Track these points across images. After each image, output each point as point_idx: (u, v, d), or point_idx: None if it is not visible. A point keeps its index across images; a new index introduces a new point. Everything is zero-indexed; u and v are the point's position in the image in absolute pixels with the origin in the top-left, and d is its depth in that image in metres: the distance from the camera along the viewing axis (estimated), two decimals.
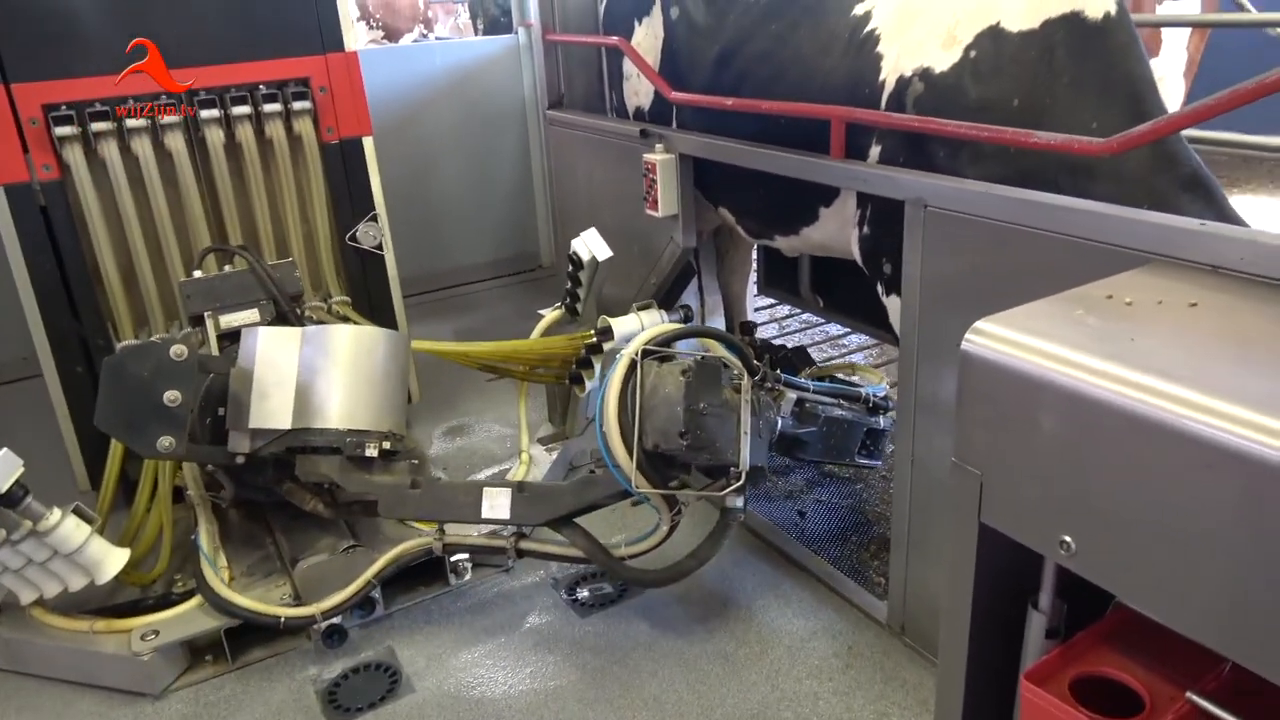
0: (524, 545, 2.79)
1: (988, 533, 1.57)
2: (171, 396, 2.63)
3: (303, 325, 2.92)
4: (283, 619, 2.72)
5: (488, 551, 2.86)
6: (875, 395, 2.96)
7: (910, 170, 2.39)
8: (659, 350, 2.54)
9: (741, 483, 2.48)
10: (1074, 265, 1.87)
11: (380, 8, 10.60)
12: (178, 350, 2.63)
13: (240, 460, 2.69)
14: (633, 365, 2.50)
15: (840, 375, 3.37)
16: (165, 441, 2.63)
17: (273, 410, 2.64)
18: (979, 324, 1.53)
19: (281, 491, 2.86)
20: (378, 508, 2.76)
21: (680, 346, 2.63)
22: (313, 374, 2.67)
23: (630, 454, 2.45)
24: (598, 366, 2.92)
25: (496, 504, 2.67)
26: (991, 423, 1.52)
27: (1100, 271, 1.73)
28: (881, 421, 2.99)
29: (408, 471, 2.76)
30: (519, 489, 2.69)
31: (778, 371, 2.77)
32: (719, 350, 2.66)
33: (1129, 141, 1.88)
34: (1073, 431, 1.38)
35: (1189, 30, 4.37)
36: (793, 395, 2.73)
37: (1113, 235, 1.84)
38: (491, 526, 2.86)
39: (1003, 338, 1.49)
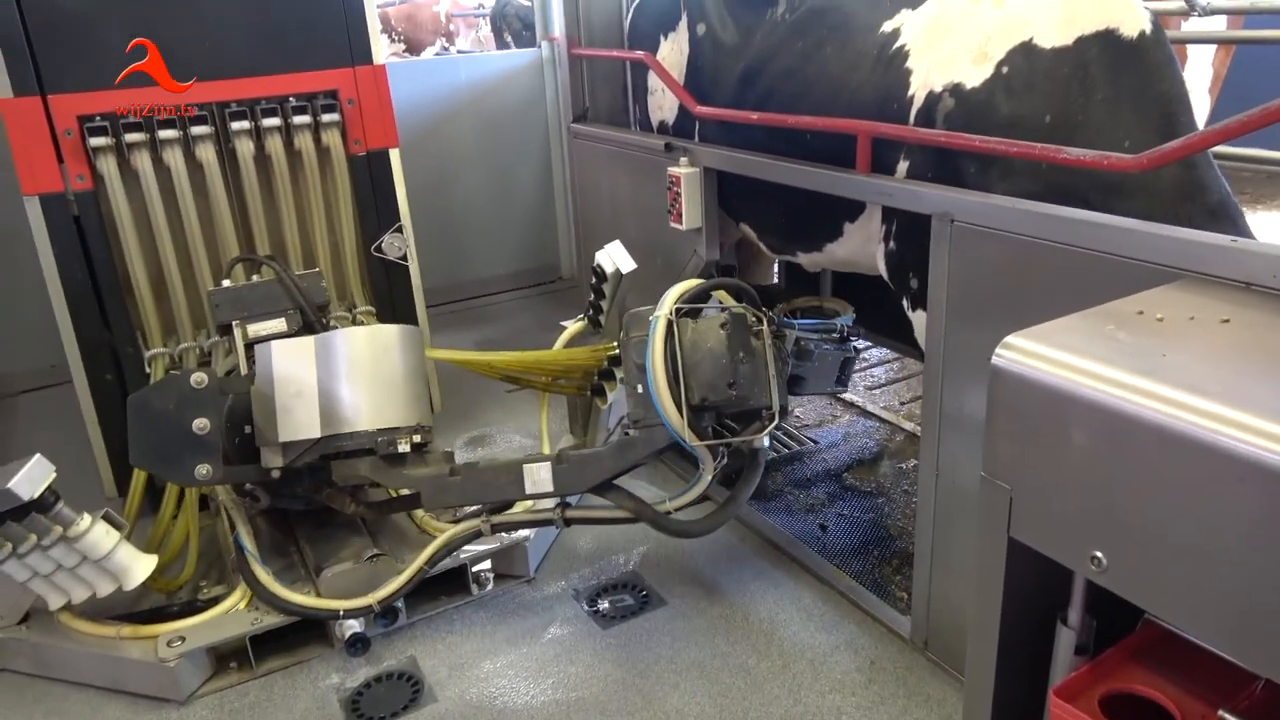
0: (570, 514, 2.83)
1: (1017, 548, 1.57)
2: (200, 424, 2.66)
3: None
4: (341, 611, 2.76)
5: (535, 525, 2.91)
6: (846, 326, 3.03)
7: (936, 184, 2.39)
8: (690, 306, 2.64)
9: (776, 423, 2.60)
10: (1102, 281, 1.87)
11: (402, 20, 10.71)
12: (198, 379, 2.67)
13: (276, 474, 2.72)
14: (669, 325, 2.58)
15: (808, 307, 3.40)
16: (202, 470, 2.67)
17: (300, 421, 2.66)
18: (1009, 339, 1.53)
19: (322, 498, 2.89)
20: (421, 500, 2.79)
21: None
22: (334, 379, 2.69)
23: (680, 411, 2.53)
24: (619, 375, 2.94)
25: (539, 478, 2.71)
26: (1022, 437, 1.52)
27: (1129, 287, 1.73)
28: (852, 350, 3.08)
29: (443, 460, 2.78)
30: (558, 460, 2.72)
31: (772, 314, 2.82)
32: (729, 300, 2.75)
33: (1159, 158, 1.88)
34: (1104, 446, 1.38)
35: (1214, 46, 4.36)
36: (794, 335, 2.80)
37: (1142, 251, 1.83)
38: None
39: (1034, 352, 1.49)
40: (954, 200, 2.27)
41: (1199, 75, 4.32)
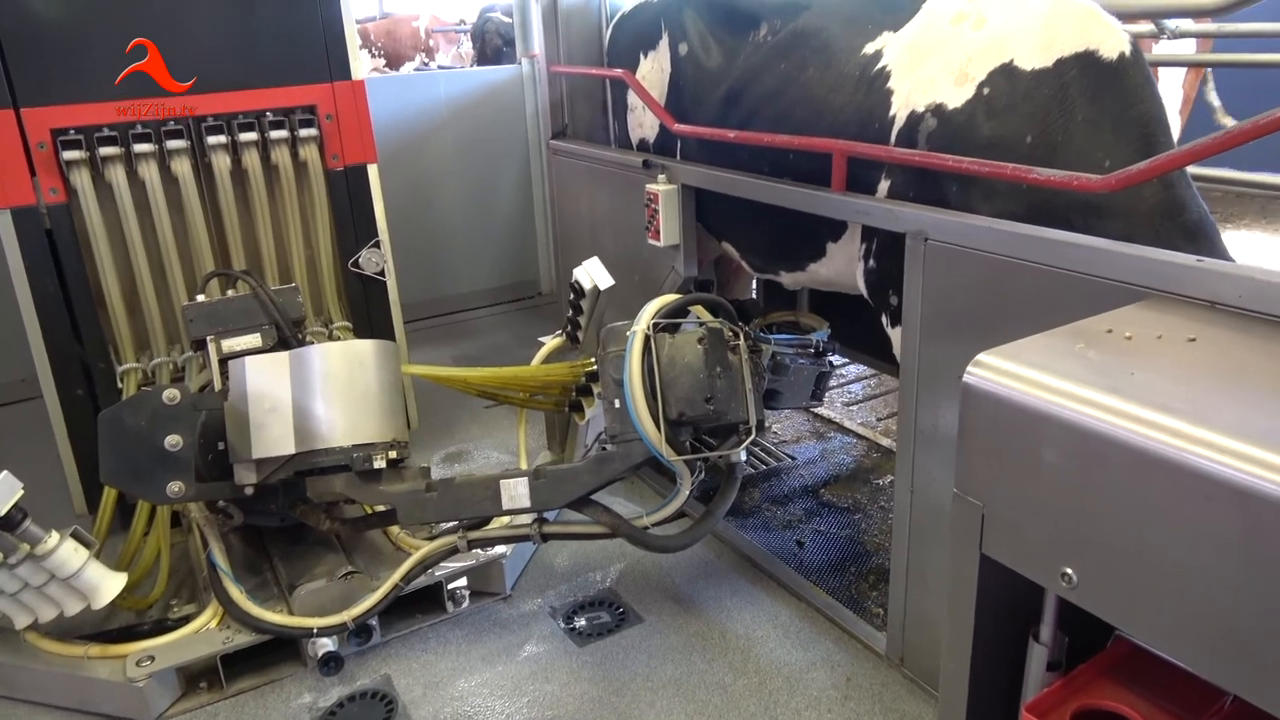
0: (547, 529, 2.82)
1: (989, 564, 1.58)
2: (173, 441, 2.64)
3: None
4: (315, 629, 2.73)
5: (511, 540, 2.90)
6: (822, 341, 3.06)
7: (910, 203, 2.42)
8: (667, 321, 2.66)
9: (752, 437, 2.63)
10: (1073, 300, 1.89)
11: (382, 35, 10.73)
12: (170, 395, 2.65)
13: (249, 491, 2.69)
14: (647, 340, 2.59)
15: (784, 321, 3.42)
16: (174, 487, 2.65)
17: (274, 438, 2.63)
18: (980, 357, 1.55)
19: (296, 515, 2.86)
20: (396, 517, 2.76)
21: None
22: (308, 395, 2.67)
23: (658, 426, 2.54)
24: (597, 390, 2.94)
25: (516, 494, 2.70)
26: (993, 455, 1.53)
27: (1099, 306, 1.75)
28: (827, 365, 3.10)
29: (419, 476, 2.76)
30: (536, 475, 2.71)
31: (749, 329, 2.84)
32: (705, 315, 2.77)
33: (1128, 179, 1.91)
34: (1074, 464, 1.39)
35: (1184, 69, 4.44)
36: (770, 350, 2.81)
37: (1112, 270, 1.86)
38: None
39: (1004, 370, 1.50)
40: (927, 219, 2.29)
41: (1169, 98, 4.40)
